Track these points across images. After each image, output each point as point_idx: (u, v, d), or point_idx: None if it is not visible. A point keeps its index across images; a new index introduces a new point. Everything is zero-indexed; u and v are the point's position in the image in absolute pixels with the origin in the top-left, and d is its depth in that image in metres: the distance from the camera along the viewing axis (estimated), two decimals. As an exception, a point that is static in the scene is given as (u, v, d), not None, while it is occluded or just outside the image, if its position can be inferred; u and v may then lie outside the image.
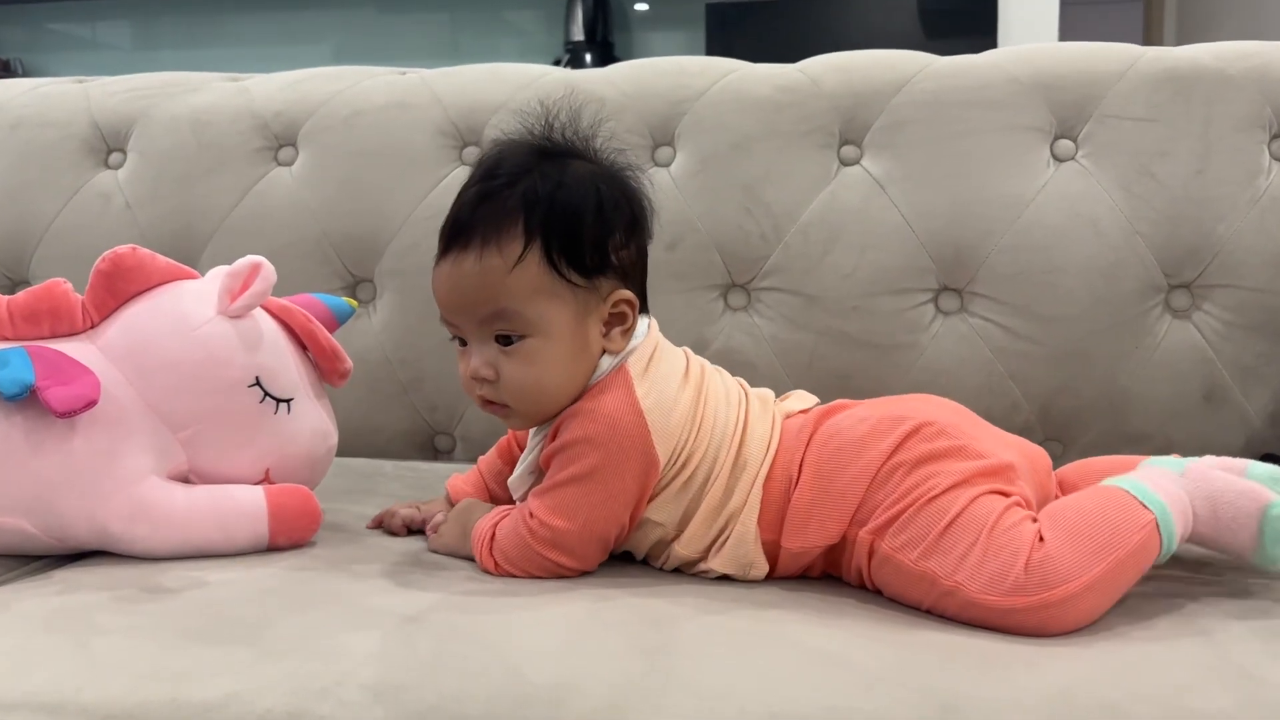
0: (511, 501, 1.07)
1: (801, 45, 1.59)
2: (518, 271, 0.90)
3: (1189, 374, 1.26)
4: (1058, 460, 1.11)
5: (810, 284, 1.32)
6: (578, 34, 3.73)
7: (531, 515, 0.93)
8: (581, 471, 0.91)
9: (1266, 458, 1.24)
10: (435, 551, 1.02)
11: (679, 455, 0.93)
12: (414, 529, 1.07)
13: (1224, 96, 1.29)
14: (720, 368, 1.01)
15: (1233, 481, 0.88)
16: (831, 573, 0.94)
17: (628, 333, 0.95)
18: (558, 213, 0.91)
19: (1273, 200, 1.26)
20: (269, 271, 1.02)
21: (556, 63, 3.63)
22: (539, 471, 0.96)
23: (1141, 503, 0.86)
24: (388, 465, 1.33)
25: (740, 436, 0.95)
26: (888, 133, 1.35)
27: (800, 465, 0.93)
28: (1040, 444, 1.08)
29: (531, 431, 0.98)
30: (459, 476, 1.13)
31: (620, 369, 0.94)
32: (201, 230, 1.45)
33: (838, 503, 0.91)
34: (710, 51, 3.40)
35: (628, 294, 0.95)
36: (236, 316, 1.01)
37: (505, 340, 0.92)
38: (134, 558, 0.96)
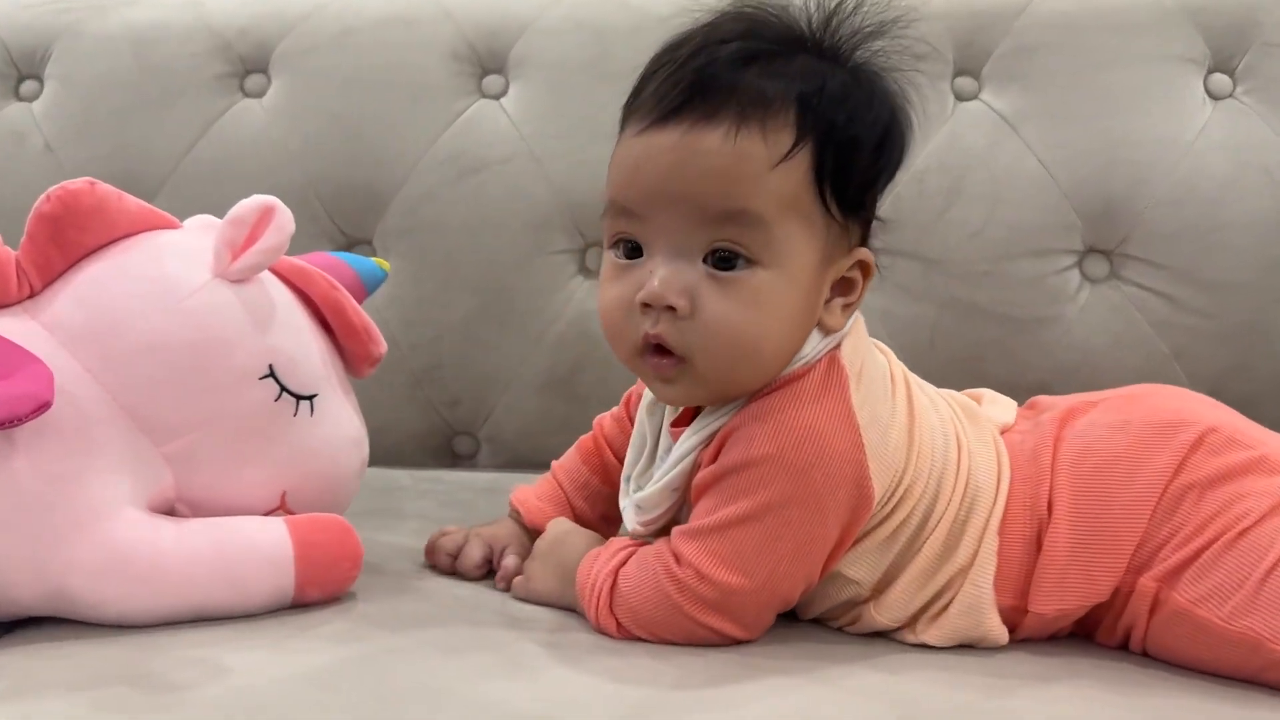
0: (606, 524, 0.80)
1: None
2: (781, 171, 0.64)
3: (1378, 352, 1.06)
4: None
5: (930, 245, 1.07)
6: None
7: (682, 563, 0.66)
8: (765, 506, 0.65)
9: None
10: (522, 600, 0.75)
11: (893, 492, 0.67)
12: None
13: (1400, 23, 1.09)
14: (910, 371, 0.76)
15: None
16: (1080, 632, 0.70)
17: (849, 309, 0.69)
18: (845, 115, 0.65)
19: None
20: (285, 218, 0.73)
21: None
22: (686, 491, 0.70)
23: None
24: (403, 476, 1.04)
25: (961, 464, 0.70)
26: (1013, 61, 1.11)
27: (1050, 499, 0.69)
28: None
29: (685, 433, 0.70)
30: (527, 489, 0.85)
31: (833, 362, 0.68)
32: (148, 178, 1.14)
33: (1110, 546, 0.67)
34: None
35: (869, 255, 0.69)
36: (240, 281, 0.72)
37: (726, 261, 0.65)
38: (102, 625, 0.66)
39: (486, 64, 1.16)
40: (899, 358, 1.05)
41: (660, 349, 0.66)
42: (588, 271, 1.12)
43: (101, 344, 0.68)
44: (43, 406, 0.61)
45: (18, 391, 0.61)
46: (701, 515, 0.67)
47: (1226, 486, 0.66)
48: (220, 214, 0.77)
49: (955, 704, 0.60)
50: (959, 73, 1.12)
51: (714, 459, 0.67)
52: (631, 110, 0.68)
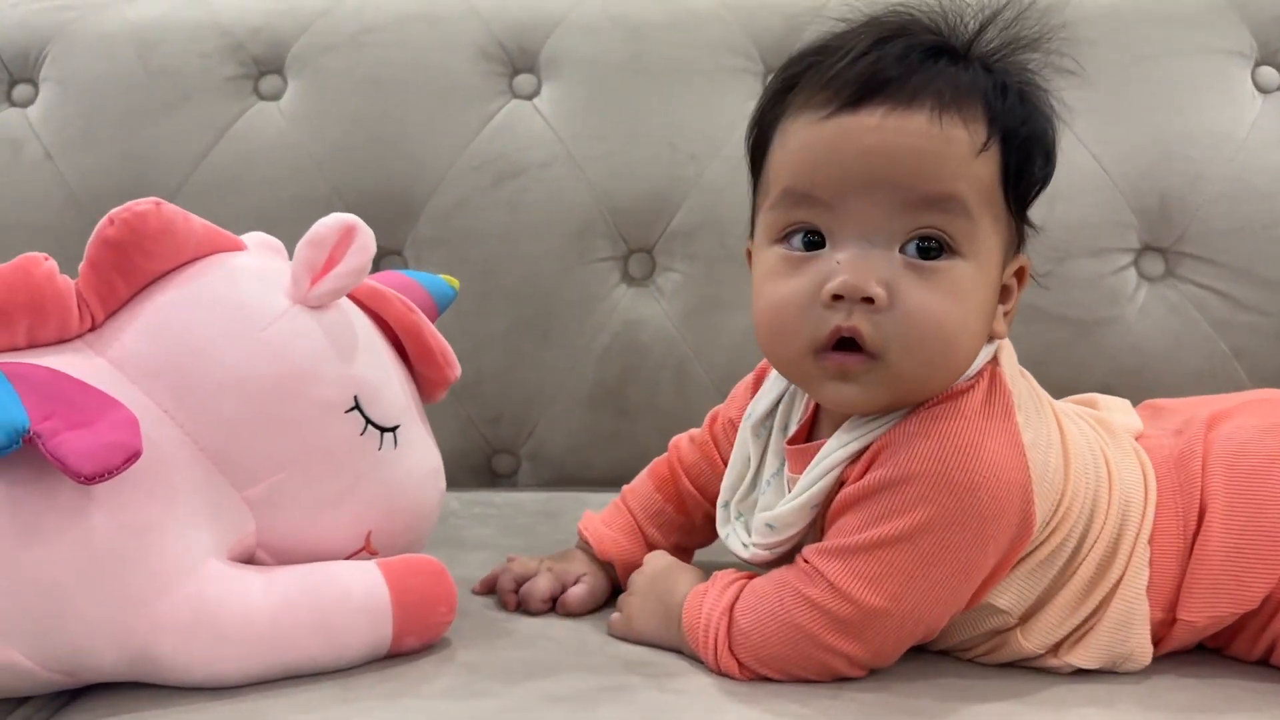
0: (679, 554, 0.76)
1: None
2: (982, 160, 0.61)
3: None
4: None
5: (987, 245, 1.04)
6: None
7: (818, 582, 0.62)
8: (923, 525, 0.60)
9: None
10: (621, 639, 0.70)
11: (1052, 517, 0.64)
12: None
13: None
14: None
15: None
16: (1212, 644, 0.68)
17: (1009, 316, 0.66)
18: (1021, 119, 0.63)
19: None
20: (367, 238, 0.68)
21: None
22: (824, 511, 0.66)
23: None
24: (452, 500, 0.97)
25: (1112, 484, 0.66)
26: (1059, 53, 1.08)
27: (1201, 505, 0.66)
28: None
29: (827, 445, 0.65)
30: (597, 521, 0.80)
31: (995, 379, 0.64)
32: (159, 188, 1.05)
33: (1267, 550, 0.64)
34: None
35: (1028, 261, 0.66)
36: (319, 307, 0.67)
37: (929, 250, 0.61)
38: (185, 688, 0.61)
39: (517, 63, 1.10)
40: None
41: (847, 344, 0.61)
42: (631, 280, 1.07)
43: (176, 380, 0.63)
44: (133, 456, 0.56)
45: (105, 440, 0.55)
46: (845, 533, 0.62)
47: None
48: (238, 228, 0.72)
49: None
50: (1006, 68, 1.10)
51: (863, 475, 0.63)
52: (794, 100, 0.64)
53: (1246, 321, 1.04)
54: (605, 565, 0.77)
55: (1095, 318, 1.04)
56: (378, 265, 1.07)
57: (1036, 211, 1.04)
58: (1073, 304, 1.04)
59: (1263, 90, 1.09)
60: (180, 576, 0.60)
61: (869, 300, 0.60)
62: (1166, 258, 1.06)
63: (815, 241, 0.63)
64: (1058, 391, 1.02)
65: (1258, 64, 1.09)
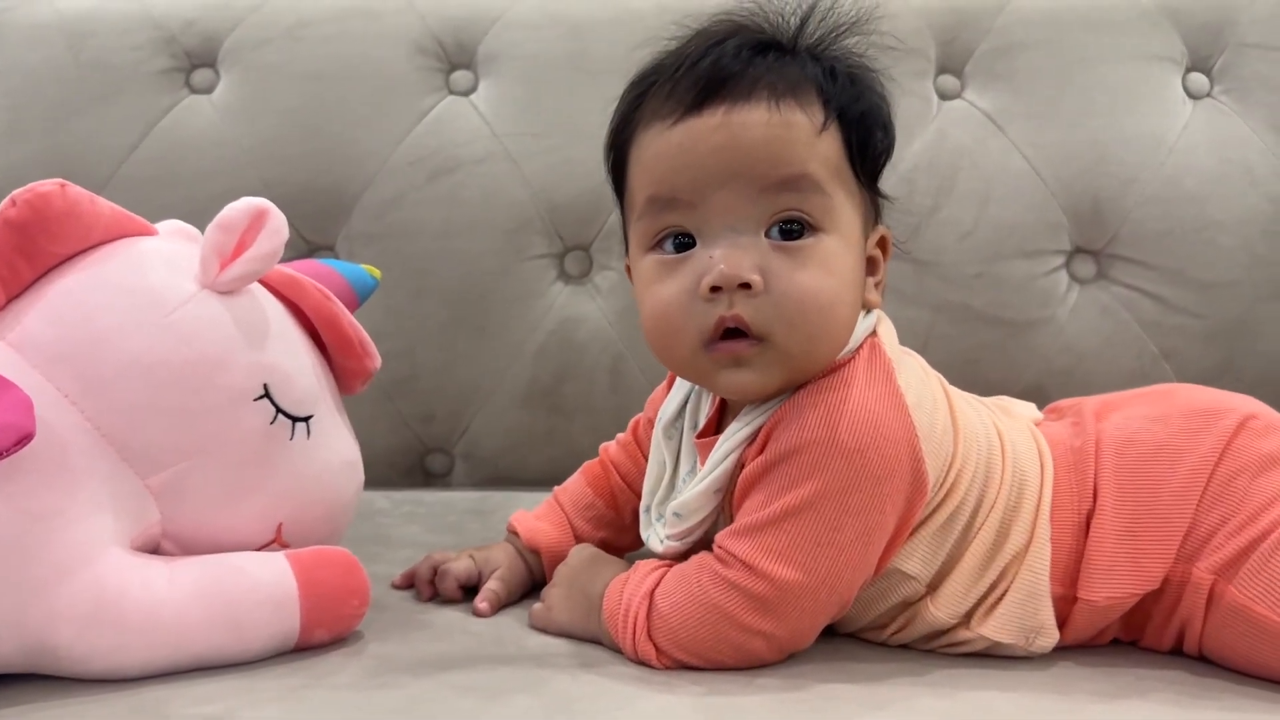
0: (608, 549, 0.76)
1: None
2: (825, 138, 0.64)
3: (1360, 348, 1.07)
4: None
5: (922, 246, 1.05)
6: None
7: (731, 563, 0.62)
8: (821, 492, 0.61)
9: None
10: (540, 630, 0.69)
11: (944, 478, 0.65)
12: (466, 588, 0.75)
13: (1373, 23, 1.11)
14: None
15: None
16: (1126, 638, 0.68)
17: (880, 286, 0.69)
18: (853, 102, 0.66)
19: None
20: (278, 222, 0.67)
21: None
22: (728, 495, 0.66)
23: None
24: (380, 499, 0.97)
25: (1005, 451, 0.68)
26: (996, 59, 1.10)
27: (1095, 486, 0.67)
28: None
29: (726, 432, 0.66)
30: (528, 514, 0.80)
31: (874, 347, 0.66)
32: (88, 181, 0.97)
33: (1160, 531, 0.65)
34: None
35: (888, 231, 0.69)
36: (229, 292, 0.66)
37: (791, 231, 0.63)
38: (88, 680, 0.59)
39: (454, 59, 1.10)
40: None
41: (733, 333, 0.63)
42: (568, 277, 1.07)
43: (79, 365, 0.61)
44: (25, 439, 0.54)
45: (-4, 422, 0.54)
46: (751, 512, 0.63)
47: (1275, 472, 0.65)
48: (170, 218, 0.72)
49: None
50: (941, 71, 1.10)
51: (759, 453, 0.64)
52: (640, 118, 0.67)
53: (1176, 323, 1.05)
54: (530, 556, 0.77)
55: (1028, 318, 1.05)
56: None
57: (966, 213, 1.07)
58: (1005, 305, 1.05)
59: (1193, 96, 1.10)
60: (80, 565, 0.59)
61: (746, 286, 0.62)
62: (1098, 260, 1.07)
63: (686, 242, 0.65)
64: (989, 391, 1.03)
65: (1188, 70, 1.11)
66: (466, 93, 1.09)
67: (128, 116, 1.07)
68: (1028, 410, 0.75)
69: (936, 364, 1.02)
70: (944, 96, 1.10)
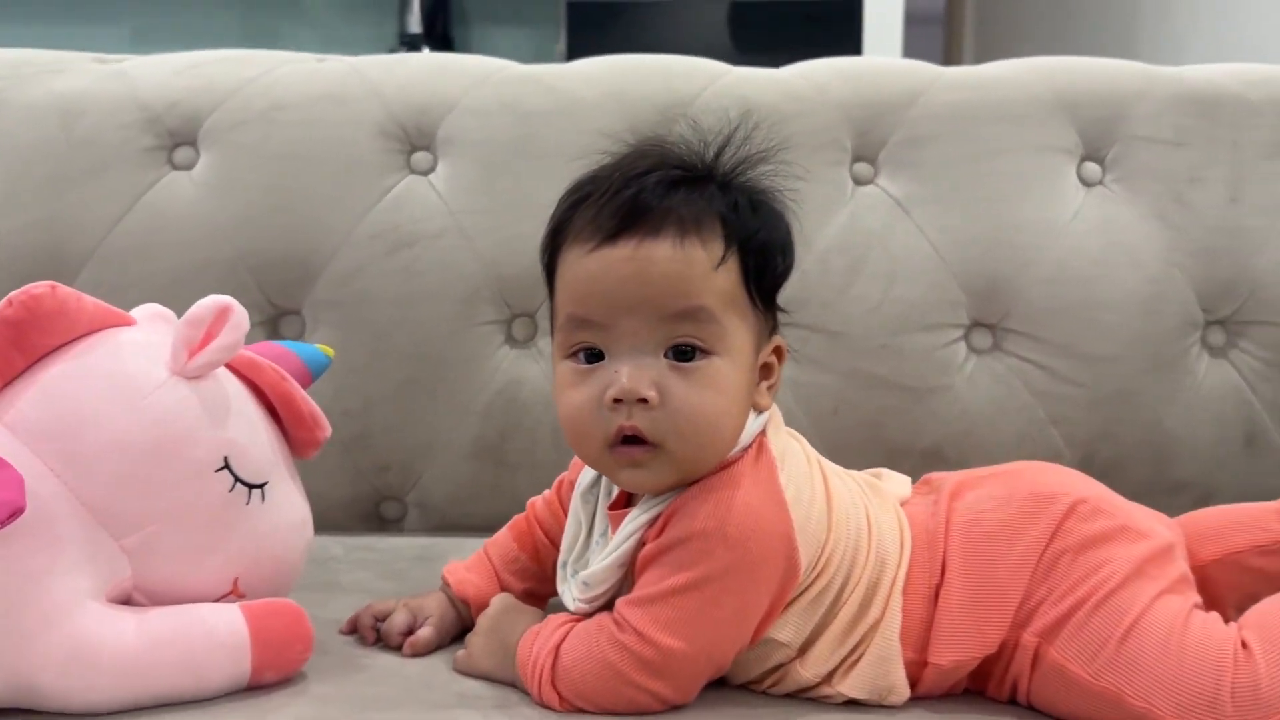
0: (530, 598, 0.86)
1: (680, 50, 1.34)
2: (721, 272, 0.73)
3: (1229, 416, 1.18)
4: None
5: (833, 319, 1.15)
6: (415, 26, 3.44)
7: (626, 630, 0.72)
8: (706, 576, 0.71)
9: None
10: (464, 674, 0.80)
11: (817, 561, 0.75)
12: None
13: (1248, 121, 1.22)
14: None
15: None
16: (974, 688, 0.79)
17: (772, 389, 0.78)
18: (755, 227, 0.75)
19: (1309, 233, 1.19)
20: (240, 317, 0.77)
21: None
22: (630, 568, 0.76)
23: None
24: (335, 545, 1.07)
25: (871, 533, 0.78)
26: (906, 149, 1.21)
27: (944, 562, 0.77)
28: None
29: (631, 514, 0.77)
30: (460, 565, 0.90)
31: (762, 448, 0.76)
32: (77, 249, 1.15)
33: (997, 602, 0.75)
34: (573, 53, 3.19)
35: (783, 341, 0.78)
36: (196, 378, 0.76)
37: (685, 354, 0.73)
38: (68, 715, 0.69)
39: (415, 141, 1.20)
40: (807, 424, 1.15)
41: (632, 439, 0.72)
42: (515, 341, 1.17)
43: (64, 443, 0.72)
44: (17, 513, 0.65)
45: (-8, 498, 0.64)
46: (646, 585, 0.73)
47: (1094, 551, 0.75)
48: (149, 287, 0.81)
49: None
50: (857, 159, 1.21)
51: (659, 535, 0.74)
52: (567, 237, 0.76)
53: (1063, 392, 1.16)
54: (460, 605, 0.87)
55: (928, 385, 1.16)
56: (278, 324, 1.18)
57: (874, 290, 1.18)
58: (908, 373, 1.16)
59: (1086, 184, 1.21)
60: (62, 617, 0.69)
61: (644, 401, 0.71)
62: (994, 333, 1.18)
63: (596, 354, 0.74)
64: (893, 451, 1.15)
65: (1083, 160, 1.22)
66: (426, 172, 1.20)
67: (115, 190, 1.17)
68: (899, 487, 0.85)
69: (845, 426, 1.15)
70: (859, 182, 1.21)
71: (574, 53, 3.20)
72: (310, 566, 0.97)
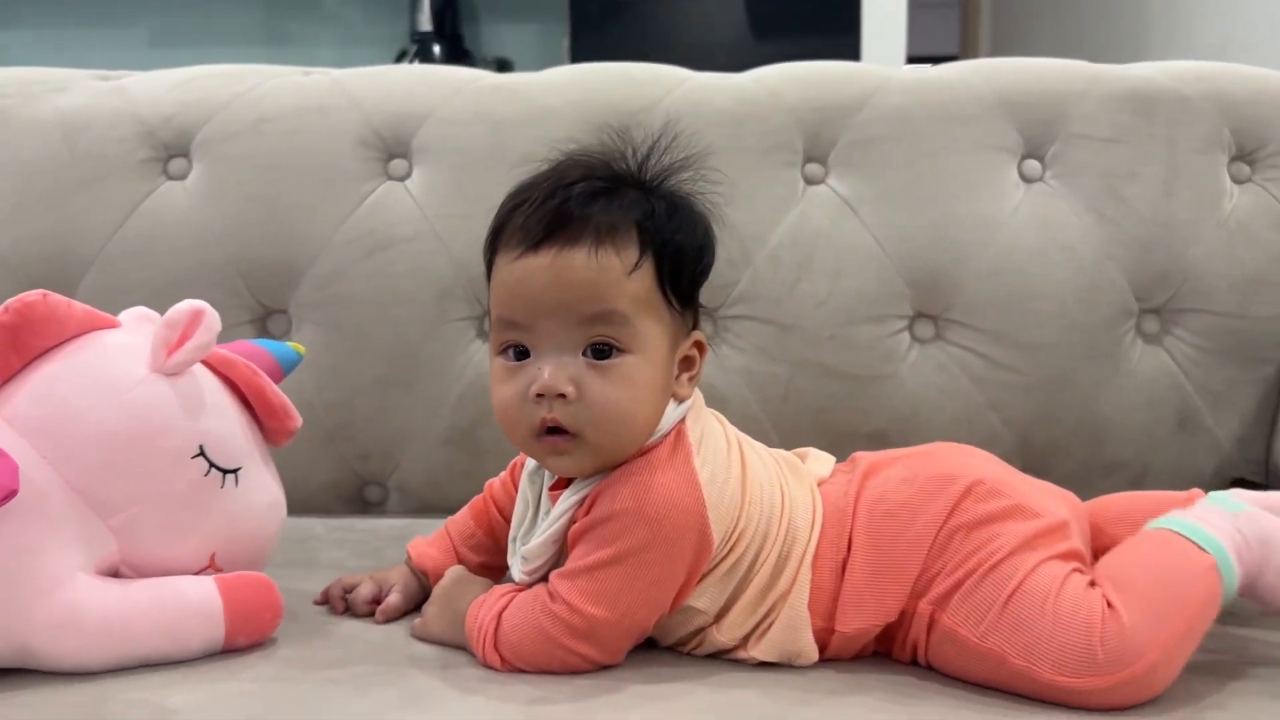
0: (486, 571, 0.94)
1: (679, 45, 1.43)
2: (635, 277, 0.80)
3: (1163, 400, 1.24)
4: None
5: (784, 313, 1.23)
6: (425, 24, 3.52)
7: (557, 600, 0.80)
8: (626, 551, 0.79)
9: (1237, 483, 1.25)
10: (420, 640, 0.88)
11: (730, 536, 0.83)
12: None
13: (1184, 118, 1.28)
14: (742, 433, 0.91)
15: None
16: (880, 650, 0.86)
17: (693, 380, 0.86)
18: (671, 231, 0.82)
19: (1239, 224, 1.25)
20: (213, 319, 0.86)
21: (402, 56, 3.44)
22: (564, 543, 0.84)
23: (1197, 544, 0.81)
24: (319, 526, 1.16)
25: (783, 510, 0.85)
26: (855, 150, 1.28)
27: (850, 537, 0.84)
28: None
29: (563, 495, 0.85)
30: (423, 541, 0.99)
31: (679, 434, 0.83)
32: (80, 256, 1.25)
33: (897, 574, 0.83)
34: (575, 49, 3.27)
35: (703, 336, 0.86)
36: (173, 374, 0.85)
37: (601, 352, 0.80)
38: (61, 674, 0.78)
39: (392, 149, 1.29)
40: (759, 410, 1.22)
41: (555, 430, 0.80)
42: (485, 336, 1.25)
43: (55, 435, 0.80)
44: (10, 495, 0.73)
45: (-11, 482, 0.73)
46: (575, 559, 0.81)
47: (986, 528, 0.82)
48: (147, 290, 0.89)
49: (764, 714, 0.75)
50: (808, 160, 1.28)
51: (586, 514, 0.82)
52: (501, 241, 0.83)
53: (1001, 378, 1.23)
54: (421, 576, 0.95)
55: (874, 373, 1.23)
56: (266, 323, 1.27)
57: (822, 285, 1.25)
58: (854, 362, 1.23)
59: (1027, 180, 1.28)
60: (55, 588, 0.78)
61: (563, 396, 0.79)
62: (936, 323, 1.25)
63: (524, 352, 0.82)
64: (840, 435, 1.22)
65: (1023, 158, 1.28)
66: (402, 179, 1.28)
67: (113, 200, 1.26)
68: (820, 466, 0.92)
69: (795, 412, 1.22)
70: (810, 182, 1.28)
71: (579, 46, 3.28)
72: (293, 545, 1.07)
